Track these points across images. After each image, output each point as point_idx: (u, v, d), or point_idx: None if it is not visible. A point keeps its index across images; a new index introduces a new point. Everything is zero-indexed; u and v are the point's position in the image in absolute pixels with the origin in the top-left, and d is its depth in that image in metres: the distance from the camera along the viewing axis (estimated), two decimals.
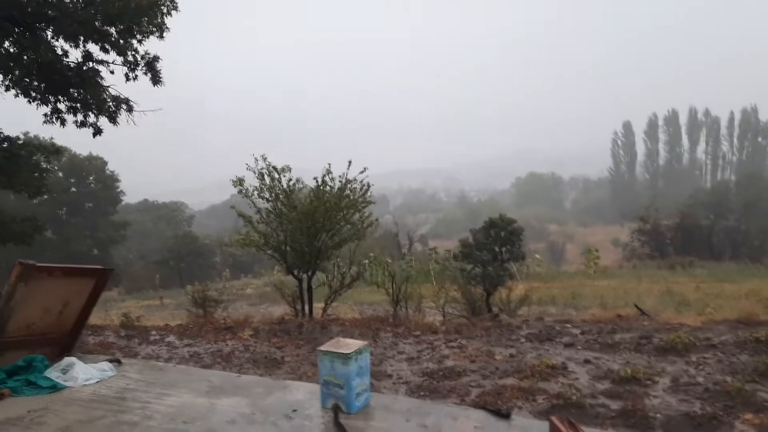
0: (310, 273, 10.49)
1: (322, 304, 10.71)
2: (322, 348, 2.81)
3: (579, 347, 6.81)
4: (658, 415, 4.46)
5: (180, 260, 44.83)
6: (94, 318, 9.27)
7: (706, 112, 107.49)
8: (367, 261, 12.80)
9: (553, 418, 2.23)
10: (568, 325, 8.24)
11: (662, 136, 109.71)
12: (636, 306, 10.49)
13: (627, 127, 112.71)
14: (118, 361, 5.01)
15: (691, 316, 9.48)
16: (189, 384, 3.61)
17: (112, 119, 10.39)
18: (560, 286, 20.37)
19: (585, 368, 5.86)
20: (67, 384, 4.32)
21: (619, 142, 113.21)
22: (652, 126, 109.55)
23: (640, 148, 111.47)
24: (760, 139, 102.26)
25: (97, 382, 4.36)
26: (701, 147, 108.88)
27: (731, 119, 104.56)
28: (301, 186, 10.54)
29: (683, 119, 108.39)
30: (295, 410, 2.86)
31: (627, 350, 6.55)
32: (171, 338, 8.14)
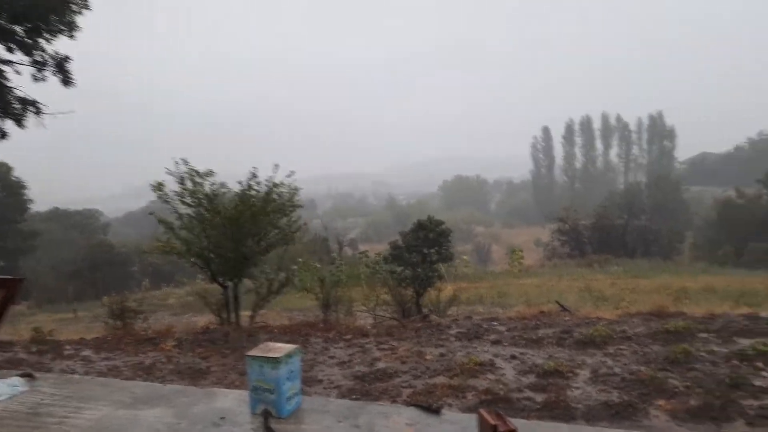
0: (236, 280, 10.23)
1: (250, 312, 10.47)
2: (251, 353, 2.74)
3: (505, 344, 6.99)
4: (580, 405, 4.64)
5: (95, 270, 42.63)
6: (2, 334, 8.68)
7: (618, 118, 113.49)
8: (296, 266, 12.65)
9: (482, 411, 2.26)
10: (495, 323, 8.43)
11: (578, 141, 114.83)
12: (557, 302, 10.90)
13: (546, 132, 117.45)
14: (31, 376, 4.70)
15: (608, 310, 9.92)
16: (109, 396, 3.42)
17: (19, 123, 9.81)
18: (487, 285, 20.91)
19: (511, 364, 6.02)
20: None
21: (539, 146, 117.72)
22: (569, 131, 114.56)
23: (559, 152, 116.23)
24: (667, 143, 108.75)
25: (9, 398, 4.07)
26: (614, 150, 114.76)
27: (639, 124, 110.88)
28: (225, 191, 10.29)
29: (597, 124, 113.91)
30: (223, 417, 2.77)
31: (550, 345, 6.78)
32: (87, 352, 7.73)
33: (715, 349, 6.10)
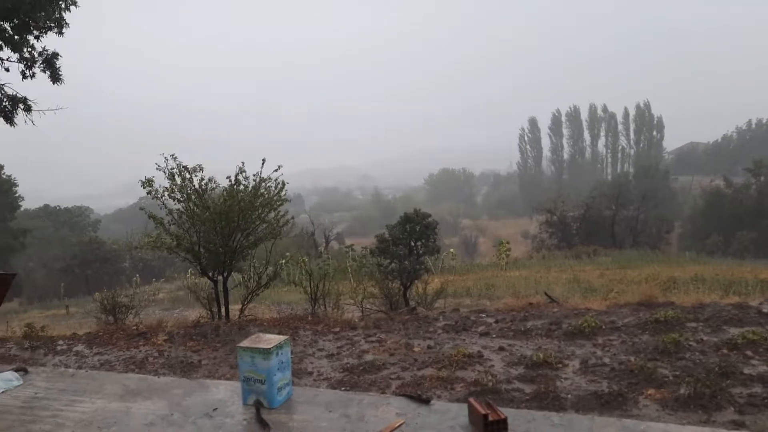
0: (225, 274, 10.27)
1: (239, 306, 10.51)
2: (242, 344, 2.79)
3: (494, 335, 7.04)
4: (569, 395, 4.71)
5: (86, 267, 42.62)
6: None
7: (605, 108, 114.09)
8: (284, 260, 12.68)
9: (471, 400, 2.33)
10: (483, 315, 8.49)
11: (566, 132, 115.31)
12: (546, 294, 10.99)
13: (533, 123, 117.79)
14: (25, 370, 4.72)
15: (596, 301, 10.00)
16: (102, 389, 3.46)
17: (9, 119, 9.75)
18: (474, 278, 21.00)
19: (500, 355, 6.08)
20: None
21: (526, 138, 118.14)
22: (555, 122, 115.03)
23: (546, 144, 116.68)
24: (654, 133, 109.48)
25: (2, 392, 4.11)
26: (602, 141, 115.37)
27: (626, 115, 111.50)
28: (214, 186, 10.29)
29: (584, 115, 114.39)
30: (215, 409, 2.82)
31: (539, 336, 6.84)
32: (80, 347, 7.74)
33: (705, 338, 6.18)
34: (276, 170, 10.24)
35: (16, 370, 4.95)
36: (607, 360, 5.64)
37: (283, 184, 10.33)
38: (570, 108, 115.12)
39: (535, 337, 6.82)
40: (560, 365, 5.50)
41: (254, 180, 10.10)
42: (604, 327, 6.93)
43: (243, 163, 10.25)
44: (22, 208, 46.77)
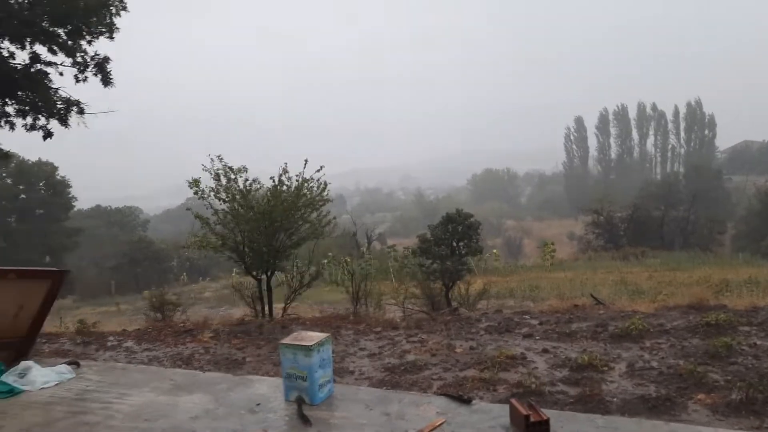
0: (269, 273, 10.42)
1: (282, 304, 10.65)
2: (284, 341, 2.83)
3: (537, 337, 6.94)
4: (615, 399, 4.60)
5: (136, 265, 43.89)
6: (49, 326, 9.00)
7: (654, 107, 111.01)
8: (326, 260, 12.79)
9: (513, 401, 2.30)
10: (527, 317, 8.38)
11: (613, 131, 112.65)
12: (591, 295, 10.77)
13: (579, 122, 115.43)
14: (77, 364, 4.91)
15: (644, 303, 9.75)
16: (150, 383, 3.57)
17: (63, 122, 10.13)
18: (518, 279, 20.73)
19: (543, 357, 5.98)
20: (24, 388, 4.24)
21: (572, 137, 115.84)
22: (603, 121, 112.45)
23: (592, 143, 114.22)
24: (706, 131, 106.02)
25: (56, 384, 4.29)
26: (650, 140, 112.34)
27: (676, 113, 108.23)
28: (258, 186, 10.46)
29: (632, 114, 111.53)
30: (258, 404, 2.87)
31: (584, 338, 6.70)
32: (129, 343, 7.96)
33: (758, 342, 5.95)
34: (318, 171, 10.34)
35: (69, 364, 5.14)
36: (654, 363, 5.48)
37: (326, 184, 10.42)
38: (618, 107, 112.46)
39: (580, 339, 6.69)
40: (606, 368, 5.37)
41: (297, 180, 10.22)
42: (652, 330, 6.75)
43: (286, 163, 10.39)
44: (75, 208, 48.48)
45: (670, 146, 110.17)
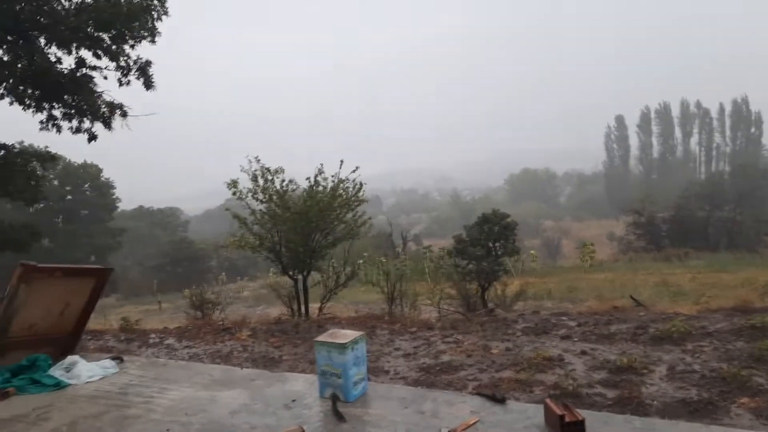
0: (305, 273, 10.54)
1: (318, 304, 10.74)
2: (319, 339, 2.87)
3: (575, 339, 6.84)
4: (655, 402, 4.50)
5: (177, 265, 44.88)
6: (93, 323, 9.28)
7: (698, 104, 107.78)
8: (361, 260, 12.83)
9: (548, 401, 2.28)
10: (564, 318, 8.27)
11: (655, 129, 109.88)
12: (631, 297, 10.55)
13: (620, 120, 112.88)
14: (120, 359, 5.08)
15: (686, 305, 9.52)
16: (190, 378, 3.66)
17: (107, 125, 10.41)
18: (556, 280, 20.44)
19: (581, 359, 5.89)
20: (70, 382, 4.40)
21: (613, 136, 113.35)
22: (644, 119, 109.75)
23: (634, 142, 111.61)
24: (753, 129, 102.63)
25: (100, 379, 4.44)
26: (694, 139, 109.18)
27: (721, 111, 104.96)
28: (294, 187, 10.59)
29: (675, 112, 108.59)
30: (294, 400, 2.91)
31: (623, 340, 6.59)
32: (170, 340, 8.16)
33: None
34: (353, 171, 10.41)
35: (113, 359, 5.31)
36: (696, 366, 5.35)
37: (361, 185, 10.49)
38: (660, 105, 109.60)
39: (619, 341, 6.57)
40: (646, 371, 5.27)
41: (333, 181, 10.31)
42: (694, 332, 6.58)
43: (321, 164, 10.50)
44: (119, 209, 49.76)
45: (715, 145, 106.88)
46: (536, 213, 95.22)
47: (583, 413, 2.10)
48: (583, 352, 6.12)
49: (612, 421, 2.14)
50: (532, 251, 31.66)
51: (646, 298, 11.36)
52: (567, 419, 2.05)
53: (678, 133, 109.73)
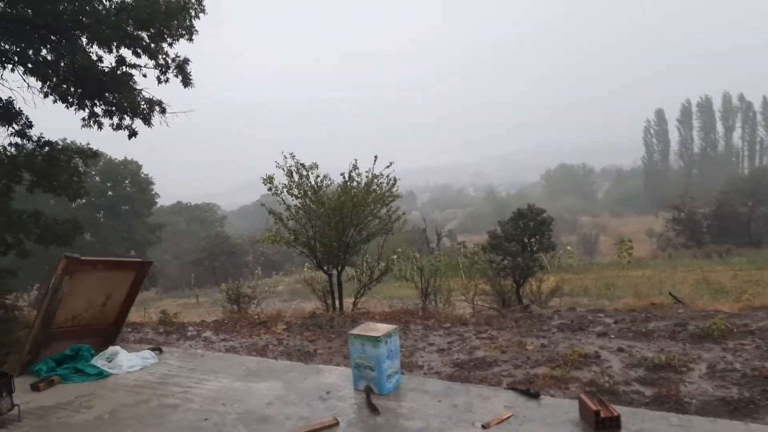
0: (339, 268, 10.61)
1: (352, 299, 10.81)
2: (353, 332, 2.89)
3: (612, 336, 6.76)
4: (694, 400, 4.43)
5: (213, 260, 45.65)
6: (134, 316, 9.54)
7: (741, 97, 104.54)
8: (395, 256, 12.83)
9: (583, 396, 2.26)
10: (601, 315, 8.18)
11: (696, 123, 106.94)
12: (670, 294, 10.34)
13: (659, 115, 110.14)
14: (160, 350, 5.22)
15: (727, 303, 9.32)
16: (227, 369, 3.74)
17: (146, 121, 10.62)
18: (593, 277, 20.13)
19: (618, 356, 5.83)
20: (112, 371, 4.55)
21: (652, 131, 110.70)
22: (685, 113, 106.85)
23: (673, 136, 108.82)
24: None
25: (141, 369, 4.57)
26: (737, 133, 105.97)
27: (765, 104, 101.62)
28: (329, 182, 10.66)
29: (717, 105, 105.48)
30: (328, 392, 2.95)
31: (661, 338, 6.48)
32: (207, 333, 8.33)
33: None
34: (388, 167, 10.42)
35: (153, 350, 5.46)
36: (738, 365, 5.23)
37: (395, 180, 10.49)
38: (701, 98, 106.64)
39: (657, 338, 6.47)
40: (684, 369, 5.18)
41: (367, 176, 10.34)
42: (735, 330, 6.44)
43: (356, 160, 10.53)
44: (158, 205, 50.70)
45: (758, 139, 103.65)
46: (573, 209, 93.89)
47: (619, 409, 2.08)
48: (620, 349, 6.05)
49: (648, 418, 2.11)
50: (568, 247, 31.19)
51: (686, 295, 11.13)
52: (602, 415, 2.03)
53: (720, 127, 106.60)
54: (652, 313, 8.01)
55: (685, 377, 4.99)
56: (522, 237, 11.80)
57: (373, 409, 2.53)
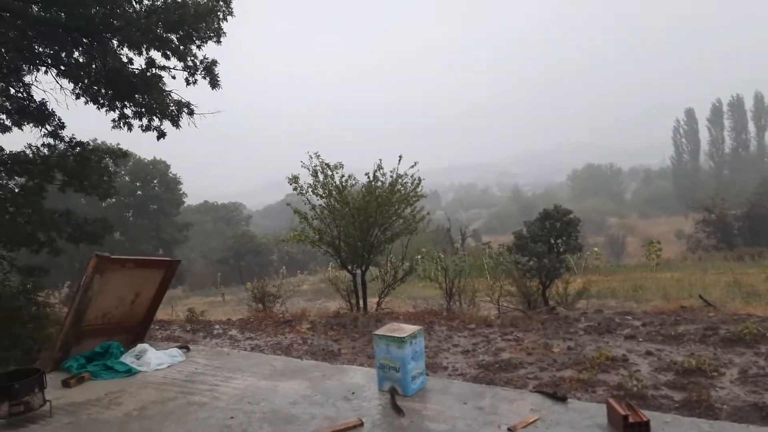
0: (363, 268, 10.63)
1: (376, 299, 10.82)
2: (378, 332, 2.89)
3: (640, 339, 6.66)
4: (725, 406, 4.33)
5: (239, 259, 46.12)
6: (161, 314, 9.68)
7: None
8: (419, 256, 12.79)
9: (611, 400, 2.23)
10: (629, 317, 8.06)
11: (727, 123, 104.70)
12: (701, 297, 10.15)
13: (689, 114, 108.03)
14: (187, 348, 5.29)
15: (760, 306, 9.13)
16: (253, 368, 3.77)
17: (175, 123, 10.75)
18: (620, 279, 19.86)
19: (647, 360, 5.74)
20: (140, 368, 4.64)
21: (681, 131, 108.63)
22: (716, 113, 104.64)
23: (704, 137, 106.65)
24: None
25: (168, 366, 4.65)
26: None
27: None
28: (353, 182, 10.69)
29: (749, 105, 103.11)
30: (353, 392, 2.95)
31: (691, 342, 6.37)
32: (233, 332, 8.42)
33: None
34: (412, 166, 10.41)
35: (180, 348, 5.54)
36: None
37: (419, 180, 10.47)
38: (732, 97, 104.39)
39: (687, 342, 6.34)
40: (715, 373, 5.07)
41: (391, 176, 10.34)
42: None
43: (380, 160, 10.55)
44: (185, 204, 51.37)
45: None
46: (600, 209, 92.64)
47: (647, 415, 2.04)
48: (649, 353, 5.96)
49: (679, 424, 2.07)
50: (595, 249, 30.80)
51: (717, 298, 10.91)
52: (631, 420, 2.00)
53: (752, 127, 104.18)
54: (681, 316, 7.87)
55: (716, 382, 4.89)
56: (548, 238, 11.69)
57: (398, 411, 2.53)
